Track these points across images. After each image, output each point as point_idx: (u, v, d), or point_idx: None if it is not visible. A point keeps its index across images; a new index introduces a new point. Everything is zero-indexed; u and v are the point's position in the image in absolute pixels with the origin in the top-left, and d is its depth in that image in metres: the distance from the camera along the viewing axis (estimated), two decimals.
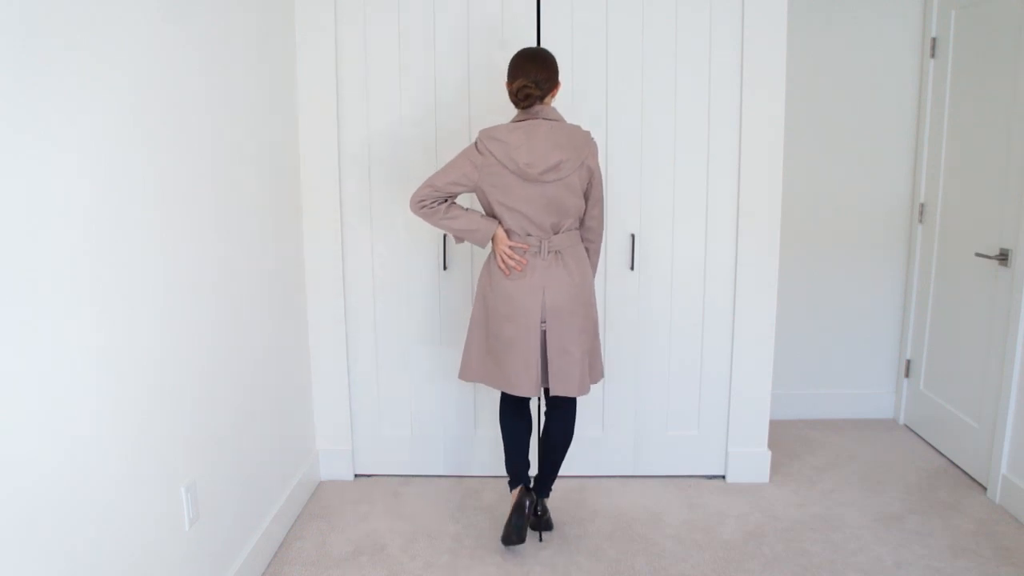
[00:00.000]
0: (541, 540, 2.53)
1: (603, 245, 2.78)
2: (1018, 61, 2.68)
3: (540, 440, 2.53)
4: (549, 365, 2.28)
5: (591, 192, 2.31)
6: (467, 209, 2.28)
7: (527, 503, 2.39)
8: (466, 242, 2.39)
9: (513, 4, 2.71)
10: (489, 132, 2.22)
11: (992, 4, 2.85)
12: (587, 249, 2.39)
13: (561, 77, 2.34)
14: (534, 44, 2.72)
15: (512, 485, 2.47)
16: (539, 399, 2.86)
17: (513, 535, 2.36)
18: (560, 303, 2.25)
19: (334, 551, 2.48)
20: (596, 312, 2.38)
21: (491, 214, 2.30)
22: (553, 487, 2.74)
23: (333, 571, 2.36)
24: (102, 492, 1.53)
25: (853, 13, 3.31)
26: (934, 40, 3.24)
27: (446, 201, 2.26)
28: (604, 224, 2.50)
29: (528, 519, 2.41)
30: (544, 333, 2.27)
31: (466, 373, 2.40)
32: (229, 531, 2.15)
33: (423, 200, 2.24)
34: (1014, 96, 2.70)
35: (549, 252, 2.26)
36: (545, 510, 2.54)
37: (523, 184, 2.20)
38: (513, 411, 2.47)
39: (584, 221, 2.35)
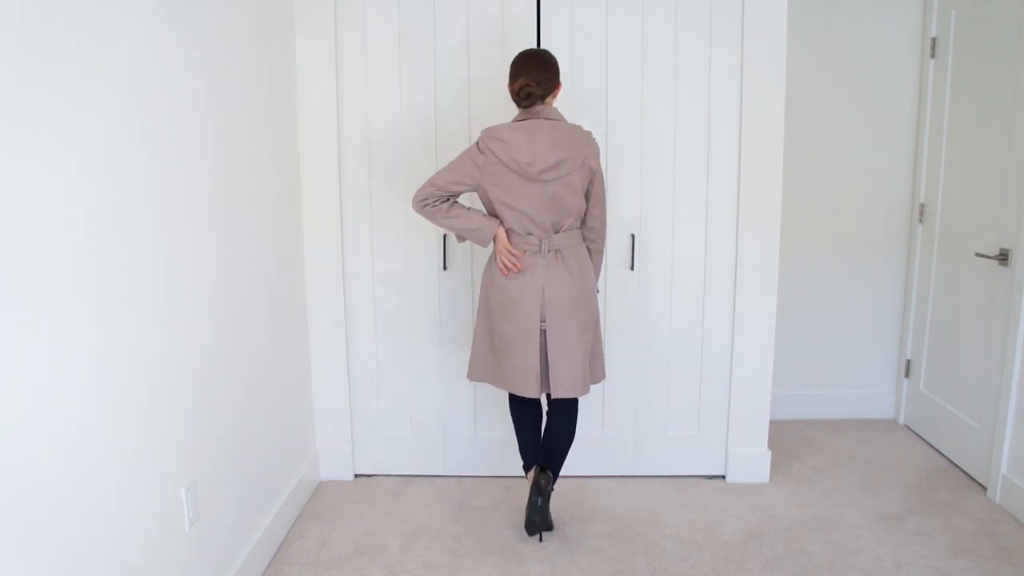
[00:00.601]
0: (541, 540, 2.53)
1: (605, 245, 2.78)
2: (1018, 61, 2.68)
3: (542, 440, 2.53)
4: (550, 366, 2.28)
5: (592, 192, 2.31)
6: (469, 208, 2.29)
7: (543, 481, 2.39)
8: (467, 241, 2.40)
9: (513, 4, 2.71)
10: (490, 131, 2.22)
11: (992, 4, 2.85)
12: (589, 249, 2.39)
13: (561, 77, 2.34)
14: (534, 44, 2.72)
15: (527, 468, 2.50)
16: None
17: (535, 514, 2.36)
18: (560, 302, 2.25)
19: (334, 551, 2.48)
20: (597, 311, 2.37)
21: (492, 213, 2.30)
22: (554, 487, 2.74)
23: (333, 571, 2.36)
24: (102, 492, 1.53)
25: (853, 13, 3.31)
26: (934, 40, 3.24)
27: (448, 200, 2.27)
28: (607, 225, 2.50)
29: (548, 497, 2.40)
30: (544, 332, 2.28)
31: (472, 373, 2.43)
32: (229, 531, 2.15)
33: (425, 199, 2.24)
34: (1014, 96, 2.70)
35: (549, 251, 2.26)
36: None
37: (524, 183, 2.20)
38: (521, 404, 2.50)
39: (586, 221, 2.35)
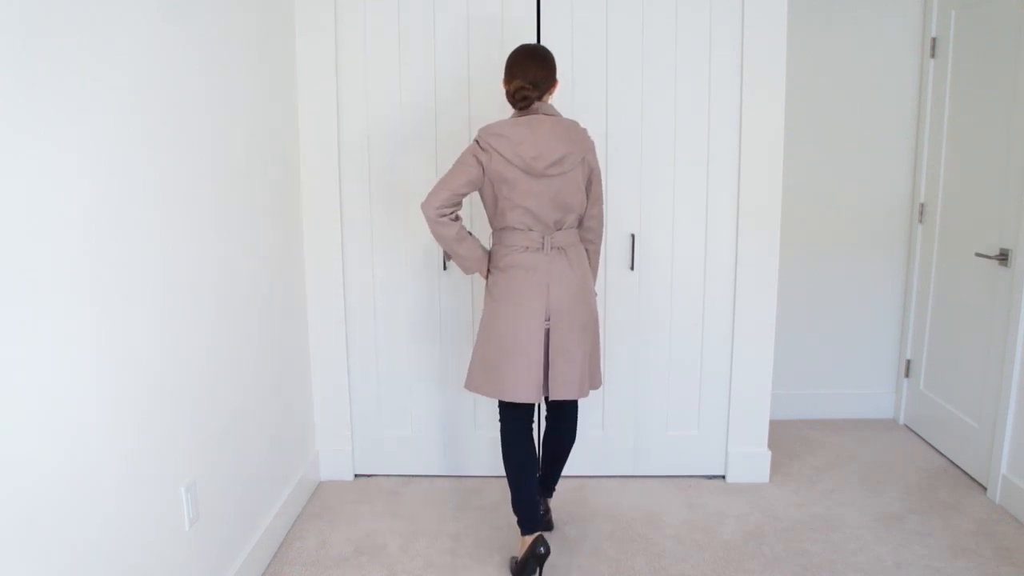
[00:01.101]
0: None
1: (603, 246, 2.77)
2: (1018, 61, 2.68)
3: (543, 444, 2.51)
4: (550, 367, 2.25)
5: (591, 189, 2.30)
6: (470, 234, 2.25)
7: (542, 549, 2.19)
8: (451, 261, 2.37)
9: (513, 4, 2.71)
10: (490, 129, 2.19)
11: (992, 4, 2.85)
12: (587, 250, 2.37)
13: (561, 77, 2.33)
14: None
15: (525, 529, 2.26)
16: (538, 412, 2.86)
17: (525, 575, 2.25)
18: (564, 301, 2.22)
19: (334, 551, 2.48)
20: (597, 314, 2.35)
21: (495, 211, 2.26)
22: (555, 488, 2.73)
23: (333, 571, 2.36)
24: (102, 492, 1.53)
25: (853, 13, 3.31)
26: (934, 40, 3.24)
27: (458, 219, 2.20)
28: (604, 225, 2.48)
29: (544, 561, 2.24)
30: (547, 332, 2.24)
31: (468, 382, 2.33)
32: (229, 531, 2.15)
33: (443, 206, 2.14)
34: (1014, 96, 2.70)
35: (552, 248, 2.23)
36: (547, 510, 2.53)
37: (529, 179, 2.17)
38: (516, 437, 2.32)
39: (583, 221, 2.33)
